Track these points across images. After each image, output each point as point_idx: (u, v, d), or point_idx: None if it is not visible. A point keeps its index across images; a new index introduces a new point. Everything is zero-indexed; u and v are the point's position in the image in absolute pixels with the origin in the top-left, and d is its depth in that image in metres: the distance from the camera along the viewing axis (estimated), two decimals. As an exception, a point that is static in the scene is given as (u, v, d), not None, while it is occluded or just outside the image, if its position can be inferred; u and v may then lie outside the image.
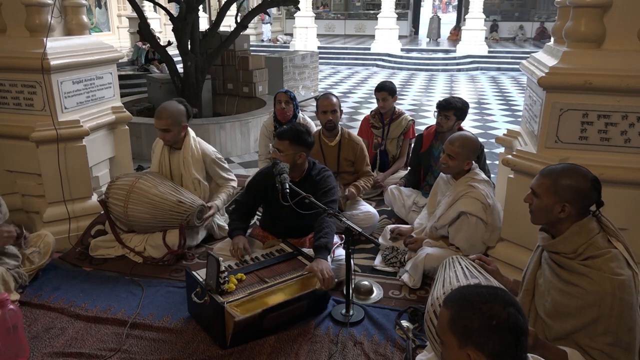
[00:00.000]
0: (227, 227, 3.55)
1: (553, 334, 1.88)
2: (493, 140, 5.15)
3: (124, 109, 3.91)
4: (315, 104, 3.90)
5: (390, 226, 3.45)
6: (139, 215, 3.15)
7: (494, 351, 1.22)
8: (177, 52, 6.28)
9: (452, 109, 3.69)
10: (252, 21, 7.81)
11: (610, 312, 1.75)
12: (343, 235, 2.70)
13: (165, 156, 3.40)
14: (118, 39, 15.35)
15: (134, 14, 8.04)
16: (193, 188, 3.37)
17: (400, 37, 17.06)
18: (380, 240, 3.36)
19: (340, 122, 3.89)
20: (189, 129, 3.41)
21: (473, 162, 3.00)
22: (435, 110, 3.79)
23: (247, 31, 7.57)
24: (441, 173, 3.20)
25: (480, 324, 1.23)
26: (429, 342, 2.05)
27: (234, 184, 3.60)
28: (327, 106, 3.73)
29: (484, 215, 2.85)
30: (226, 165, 3.60)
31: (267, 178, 2.96)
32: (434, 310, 1.97)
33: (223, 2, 6.53)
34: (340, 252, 2.97)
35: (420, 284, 2.90)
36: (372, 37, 16.91)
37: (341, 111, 3.84)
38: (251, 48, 7.92)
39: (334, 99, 3.77)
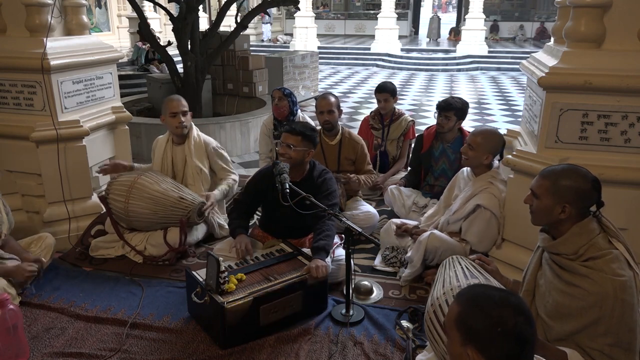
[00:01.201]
0: (227, 227, 3.56)
1: (554, 335, 1.88)
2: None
3: (124, 109, 3.91)
4: (315, 104, 3.90)
5: (396, 220, 3.42)
6: (140, 210, 3.15)
7: (494, 357, 1.22)
8: (177, 52, 6.28)
9: (453, 109, 3.69)
10: (252, 21, 7.81)
11: (611, 313, 1.75)
12: (343, 235, 2.70)
13: (168, 152, 3.46)
14: (118, 39, 15.35)
15: (134, 14, 8.04)
16: (193, 178, 3.41)
17: (400, 37, 17.06)
18: (382, 234, 3.34)
19: (340, 122, 3.89)
20: (194, 125, 3.52)
21: (496, 160, 3.01)
22: (435, 111, 3.79)
23: (247, 31, 7.57)
24: (462, 169, 3.19)
25: (486, 327, 1.23)
26: (429, 342, 2.05)
27: (235, 177, 3.62)
28: (323, 106, 3.72)
29: (498, 212, 2.87)
30: (227, 157, 3.64)
31: (266, 178, 2.95)
32: (434, 310, 1.97)
33: (223, 2, 6.54)
34: (340, 252, 2.97)
35: (419, 264, 2.89)
36: (372, 37, 16.91)
37: (340, 111, 3.82)
38: (251, 48, 7.93)
39: (332, 99, 3.75)
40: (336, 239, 3.10)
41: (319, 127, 3.94)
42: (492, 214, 2.86)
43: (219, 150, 3.57)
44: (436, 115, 3.80)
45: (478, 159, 2.94)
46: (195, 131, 3.50)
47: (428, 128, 4.06)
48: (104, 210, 3.34)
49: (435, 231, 2.96)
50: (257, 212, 3.41)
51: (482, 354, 1.23)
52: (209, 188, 3.51)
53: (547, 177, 1.91)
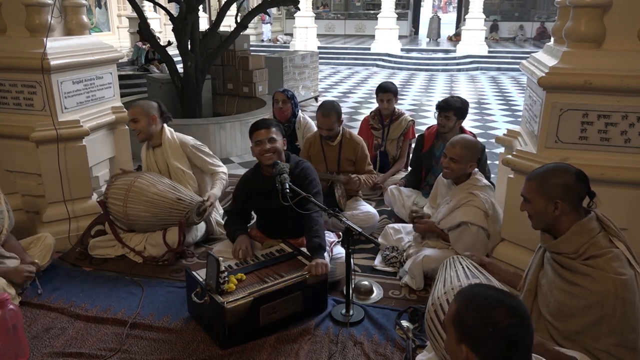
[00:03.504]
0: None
1: (557, 334, 1.89)
2: (493, 140, 5.15)
3: (124, 109, 3.90)
4: (315, 104, 3.87)
5: (393, 225, 3.44)
6: (139, 214, 3.15)
7: (485, 356, 1.24)
8: (177, 52, 6.28)
9: (452, 109, 3.69)
10: (252, 21, 7.80)
11: (613, 312, 1.76)
12: (341, 234, 2.70)
13: (150, 157, 3.46)
14: (118, 39, 15.35)
15: (134, 14, 8.04)
16: (179, 180, 3.39)
17: (400, 37, 17.06)
18: (380, 240, 3.35)
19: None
20: (166, 126, 3.45)
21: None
22: (435, 111, 3.79)
23: (247, 31, 7.57)
24: (440, 175, 3.19)
25: (478, 326, 1.25)
26: (430, 342, 2.05)
27: (224, 169, 3.57)
28: (322, 124, 3.66)
29: (485, 224, 2.81)
30: (209, 151, 3.59)
31: (249, 183, 3.00)
32: (434, 310, 1.97)
33: (223, 2, 6.54)
34: (339, 251, 2.97)
35: (423, 286, 2.89)
36: (372, 37, 16.91)
37: (340, 121, 3.73)
38: (251, 48, 7.92)
39: (332, 117, 3.62)
40: (333, 237, 3.10)
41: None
42: (479, 227, 2.80)
43: (199, 147, 3.51)
44: (436, 115, 3.80)
45: (462, 170, 2.90)
46: (169, 133, 3.43)
47: (429, 128, 4.07)
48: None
49: (428, 252, 2.91)
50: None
51: (475, 352, 1.25)
52: (198, 185, 3.50)
53: (533, 179, 1.96)
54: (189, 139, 3.50)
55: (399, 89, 4.67)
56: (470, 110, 3.99)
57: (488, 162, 3.97)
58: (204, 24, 14.43)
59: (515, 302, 1.27)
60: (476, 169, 2.98)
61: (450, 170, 2.91)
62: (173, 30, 6.12)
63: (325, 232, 2.91)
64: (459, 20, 21.14)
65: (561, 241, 1.89)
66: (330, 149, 3.78)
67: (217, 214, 3.63)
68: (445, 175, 3.02)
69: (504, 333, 1.22)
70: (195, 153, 3.47)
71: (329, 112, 3.65)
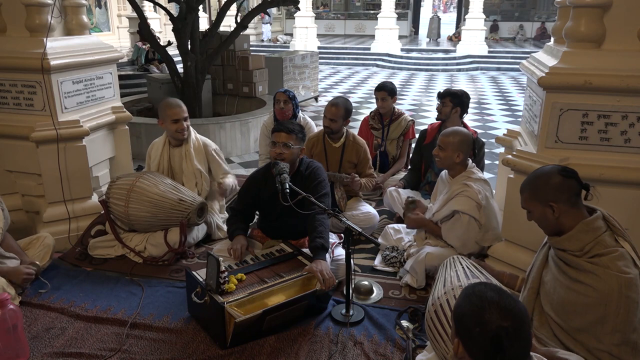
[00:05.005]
0: (225, 228, 3.57)
1: (560, 331, 1.89)
2: (493, 140, 5.15)
3: (124, 109, 3.91)
4: (315, 104, 3.88)
5: (393, 225, 3.46)
6: (140, 214, 3.16)
7: (472, 353, 1.27)
8: (177, 52, 6.28)
9: (448, 95, 3.79)
10: (252, 21, 7.81)
11: (616, 310, 1.76)
12: (342, 235, 2.70)
13: (165, 154, 3.46)
14: (118, 39, 15.35)
15: (134, 14, 8.05)
16: (194, 180, 3.42)
17: (400, 37, 17.06)
18: (380, 240, 3.35)
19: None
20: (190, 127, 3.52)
21: (469, 160, 3.01)
22: (437, 100, 3.90)
23: (247, 31, 7.57)
24: (441, 173, 3.20)
25: (469, 324, 1.27)
26: (430, 341, 2.05)
27: (233, 175, 3.61)
28: (328, 112, 3.70)
29: (477, 214, 2.84)
30: (224, 158, 3.66)
31: (259, 181, 2.99)
32: (434, 310, 1.97)
33: (223, 2, 6.54)
34: (340, 252, 2.97)
35: (424, 284, 2.90)
36: (372, 37, 16.91)
37: (347, 120, 3.76)
38: (251, 48, 7.92)
39: (340, 109, 3.66)
40: (335, 238, 3.10)
41: (320, 128, 3.95)
42: (471, 217, 2.83)
43: (218, 152, 3.59)
44: (437, 105, 3.92)
45: (450, 159, 2.94)
46: (194, 133, 3.50)
47: (432, 124, 4.13)
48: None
49: (431, 250, 2.94)
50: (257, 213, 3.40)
51: (464, 347, 1.29)
52: (208, 190, 3.52)
53: (524, 190, 2.01)
54: (211, 143, 3.58)
55: (398, 89, 4.69)
56: (470, 110, 4.02)
57: (488, 162, 4.00)
58: (204, 24, 14.44)
59: (512, 305, 1.25)
60: (471, 163, 3.02)
61: (438, 158, 2.99)
62: (173, 30, 6.12)
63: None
64: (459, 20, 21.15)
65: (566, 238, 1.90)
66: (333, 150, 3.77)
67: (218, 218, 3.62)
68: (437, 164, 3.08)
69: (490, 335, 1.22)
70: (214, 157, 3.54)
71: (337, 103, 3.70)
